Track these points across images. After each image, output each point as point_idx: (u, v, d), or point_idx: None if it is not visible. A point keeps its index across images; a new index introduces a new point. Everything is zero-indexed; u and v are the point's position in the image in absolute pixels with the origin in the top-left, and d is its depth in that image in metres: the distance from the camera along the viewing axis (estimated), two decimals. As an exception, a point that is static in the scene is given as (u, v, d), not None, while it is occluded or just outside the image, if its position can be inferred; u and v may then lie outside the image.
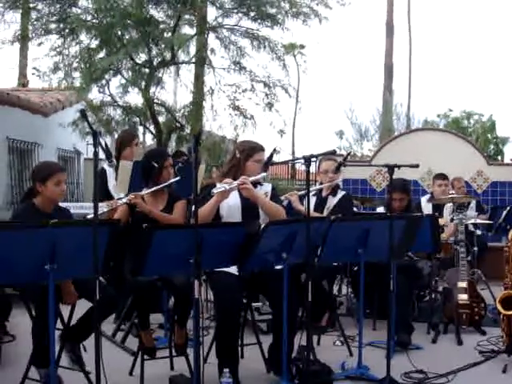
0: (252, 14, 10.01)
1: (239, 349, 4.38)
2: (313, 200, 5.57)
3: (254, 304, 5.07)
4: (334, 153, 4.34)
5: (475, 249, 6.84)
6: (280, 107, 10.60)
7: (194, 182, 3.38)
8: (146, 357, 4.15)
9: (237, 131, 10.57)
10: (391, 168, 4.12)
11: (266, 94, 10.39)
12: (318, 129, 51.22)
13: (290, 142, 26.74)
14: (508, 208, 7.09)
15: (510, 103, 38.78)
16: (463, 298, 5.53)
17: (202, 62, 10.31)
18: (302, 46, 22.87)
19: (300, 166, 15.81)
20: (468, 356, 4.85)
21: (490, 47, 54.11)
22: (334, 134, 23.24)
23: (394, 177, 4.22)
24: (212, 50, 10.41)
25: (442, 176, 7.12)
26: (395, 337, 4.97)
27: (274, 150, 4.81)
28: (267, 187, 4.49)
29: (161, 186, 4.67)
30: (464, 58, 46.68)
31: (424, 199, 7.11)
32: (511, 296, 4.75)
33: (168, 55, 10.02)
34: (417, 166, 4.27)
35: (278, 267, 3.98)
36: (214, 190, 4.05)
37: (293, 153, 24.83)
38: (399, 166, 4.16)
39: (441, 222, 5.99)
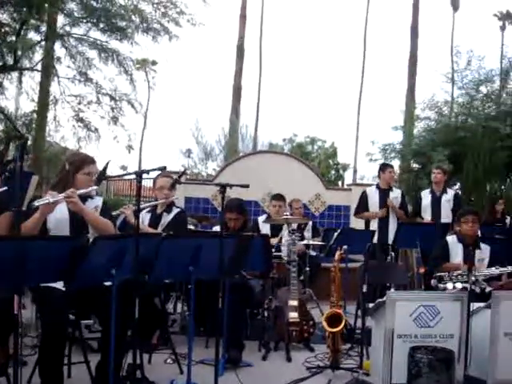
0: (101, 25, 9.87)
1: (66, 368, 4.22)
2: (148, 216, 5.54)
3: (84, 321, 4.92)
4: (164, 169, 4.34)
5: (307, 269, 7.12)
6: (126, 122, 10.57)
7: (17, 193, 3.26)
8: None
9: (80, 143, 10.39)
10: (223, 187, 4.19)
11: (112, 108, 10.32)
12: (167, 146, 51.36)
13: (138, 158, 26.52)
14: (339, 230, 7.44)
15: (351, 132, 41.07)
16: (294, 316, 5.72)
17: (47, 70, 10.00)
18: (154, 63, 22.88)
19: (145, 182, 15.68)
20: (296, 372, 5.01)
21: (337, 77, 56.99)
22: (181, 153, 23.35)
23: (237, 196, 4.28)
24: (58, 59, 10.15)
25: (277, 196, 7.30)
26: (226, 354, 5.03)
27: (107, 163, 4.75)
28: (98, 201, 4.40)
29: None
30: (310, 84, 48.88)
31: (261, 219, 7.27)
32: (336, 314, 5.00)
33: (10, 60, 9.62)
34: (247, 186, 4.34)
35: (107, 283, 3.91)
36: (36, 203, 3.89)
37: (139, 169, 24.70)
38: (231, 186, 4.24)
39: (273, 241, 6.19)
